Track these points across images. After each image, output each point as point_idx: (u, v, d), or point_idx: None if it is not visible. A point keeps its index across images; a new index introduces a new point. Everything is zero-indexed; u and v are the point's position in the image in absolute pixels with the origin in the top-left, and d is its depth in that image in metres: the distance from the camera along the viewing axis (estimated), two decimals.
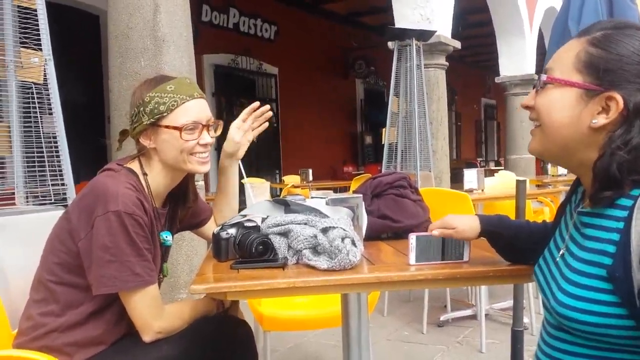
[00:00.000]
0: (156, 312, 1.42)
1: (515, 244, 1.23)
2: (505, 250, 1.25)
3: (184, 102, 1.47)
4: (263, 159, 9.89)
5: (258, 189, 1.79)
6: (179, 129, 1.45)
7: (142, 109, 1.47)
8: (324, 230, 1.26)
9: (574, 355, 0.97)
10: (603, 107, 0.94)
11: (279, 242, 1.34)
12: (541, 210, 4.25)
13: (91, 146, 6.84)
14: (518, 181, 1.82)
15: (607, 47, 0.95)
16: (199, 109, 1.50)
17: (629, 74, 0.93)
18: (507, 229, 1.24)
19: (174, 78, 1.53)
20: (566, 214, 1.12)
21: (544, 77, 1.01)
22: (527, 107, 1.06)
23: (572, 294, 0.94)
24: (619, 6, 2.92)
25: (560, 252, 1.04)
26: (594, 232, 0.96)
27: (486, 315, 3.45)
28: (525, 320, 3.27)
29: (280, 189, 7.72)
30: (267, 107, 1.76)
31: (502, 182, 4.05)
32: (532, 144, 1.06)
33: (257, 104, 1.74)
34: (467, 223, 1.24)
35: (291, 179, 7.90)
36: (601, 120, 0.94)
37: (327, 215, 1.34)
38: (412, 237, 1.24)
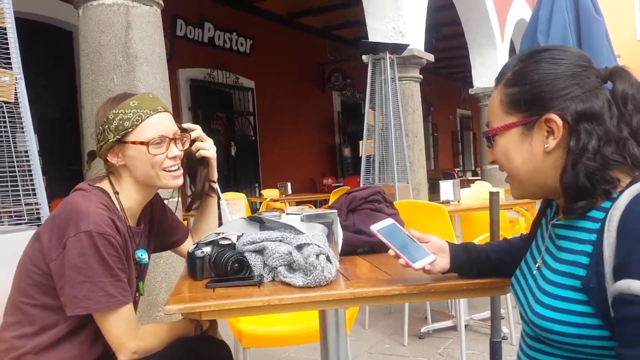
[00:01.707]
0: (132, 332, 1.39)
1: (484, 269, 1.23)
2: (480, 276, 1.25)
3: (148, 117, 1.45)
4: (242, 172, 9.87)
5: (233, 205, 1.78)
6: (145, 144, 1.44)
7: (106, 127, 1.45)
8: (299, 247, 1.26)
9: None
10: (547, 130, 0.98)
11: (254, 260, 1.33)
12: (517, 220, 4.29)
13: (66, 163, 6.76)
14: (491, 193, 1.84)
15: (520, 81, 1.01)
16: (164, 122, 1.48)
17: (551, 92, 0.97)
18: (474, 250, 1.25)
19: (137, 94, 1.51)
20: (542, 227, 1.14)
21: (486, 132, 1.07)
22: (492, 163, 1.12)
23: (548, 305, 0.95)
24: (586, 18, 2.99)
25: (537, 265, 1.06)
26: (568, 244, 0.97)
27: (466, 326, 3.47)
28: (505, 330, 3.30)
29: (260, 203, 7.70)
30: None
31: (478, 192, 4.09)
32: (512, 192, 1.11)
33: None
34: (439, 241, 1.25)
35: (270, 193, 7.89)
36: (551, 142, 0.98)
37: (301, 232, 1.34)
38: (390, 220, 1.25)
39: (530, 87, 0.99)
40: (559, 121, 0.96)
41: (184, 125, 1.64)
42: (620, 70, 0.99)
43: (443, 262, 1.20)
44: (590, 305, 0.89)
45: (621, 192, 0.90)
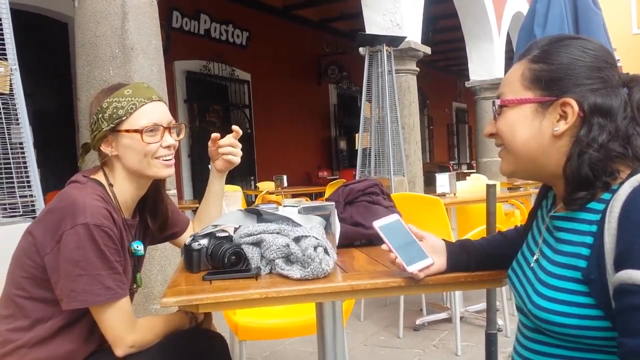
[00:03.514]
0: (128, 325, 1.39)
1: (482, 264, 1.23)
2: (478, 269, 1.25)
3: (142, 105, 1.45)
4: (238, 165, 9.81)
5: (230, 198, 1.78)
6: (139, 131, 1.43)
7: (100, 115, 1.45)
8: (297, 240, 1.25)
9: (551, 356, 0.98)
10: (560, 114, 0.98)
11: (251, 252, 1.33)
12: (512, 213, 4.31)
13: (61, 155, 6.74)
14: (488, 185, 1.84)
15: (548, 60, 1.00)
16: (158, 111, 1.48)
17: (576, 78, 0.97)
18: (471, 247, 1.25)
19: (131, 83, 1.51)
20: (538, 219, 1.14)
21: (498, 102, 1.05)
22: (490, 136, 1.10)
23: (549, 297, 0.96)
24: (584, 11, 2.99)
25: (535, 257, 1.06)
26: (568, 235, 0.98)
27: (461, 318, 3.48)
28: (500, 322, 3.32)
29: (255, 196, 7.69)
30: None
31: (474, 185, 4.11)
32: (503, 166, 1.10)
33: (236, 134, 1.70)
34: (436, 239, 1.24)
35: (266, 186, 7.87)
36: (562, 126, 0.98)
37: (299, 224, 1.33)
38: (396, 216, 1.23)
39: (557, 67, 0.99)
40: (576, 107, 0.96)
41: (234, 127, 1.67)
42: None
43: (438, 264, 1.20)
44: (591, 297, 0.90)
45: (621, 183, 0.91)
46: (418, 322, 3.62)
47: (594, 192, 0.95)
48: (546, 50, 1.02)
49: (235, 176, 9.57)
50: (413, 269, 1.14)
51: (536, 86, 1.00)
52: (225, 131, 1.72)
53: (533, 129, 1.01)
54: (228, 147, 1.68)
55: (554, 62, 0.99)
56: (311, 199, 7.33)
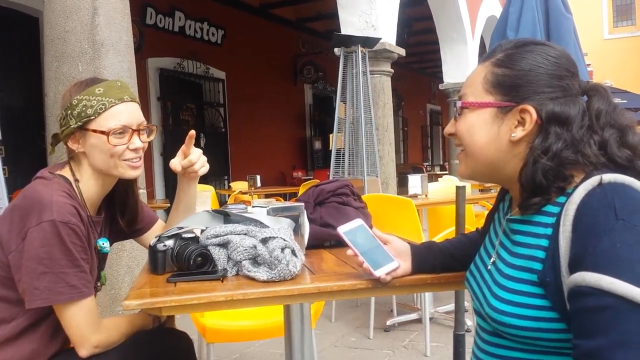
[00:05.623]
0: (93, 325, 1.36)
1: (447, 265, 1.25)
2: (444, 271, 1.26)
3: (112, 106, 1.41)
4: (211, 164, 9.67)
5: (198, 198, 1.75)
6: (106, 133, 1.40)
7: (69, 112, 1.42)
8: (264, 241, 1.24)
9: (508, 359, 0.99)
10: (518, 120, 0.99)
11: (218, 254, 1.31)
12: (483, 214, 4.35)
13: (29, 152, 6.59)
14: (457, 187, 1.85)
15: (511, 65, 1.00)
16: (128, 113, 1.44)
17: (536, 85, 0.98)
18: (436, 249, 1.26)
19: (105, 81, 1.47)
20: (495, 222, 1.16)
21: (459, 103, 1.06)
22: (450, 135, 1.10)
23: (505, 300, 0.97)
24: (555, 16, 3.03)
25: (492, 260, 1.07)
26: (524, 238, 0.99)
27: (431, 319, 3.50)
28: (469, 322, 3.35)
29: (228, 196, 7.64)
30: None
31: (446, 186, 4.13)
32: (461, 168, 1.10)
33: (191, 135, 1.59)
34: (401, 242, 1.25)
35: (239, 185, 7.82)
36: (519, 132, 0.98)
37: (267, 226, 1.32)
38: (359, 221, 1.24)
39: (518, 73, 0.99)
40: (534, 115, 0.96)
41: (190, 133, 1.57)
42: (600, 87, 1.01)
43: (404, 267, 1.21)
44: (547, 299, 0.91)
45: (575, 187, 0.92)
46: (389, 322, 3.64)
47: (548, 198, 0.96)
48: (510, 54, 1.02)
49: (209, 176, 9.50)
50: (380, 272, 1.15)
51: (497, 91, 1.01)
52: (198, 130, 1.68)
53: (491, 133, 1.01)
54: (199, 162, 1.60)
55: (516, 68, 1.00)
56: (284, 199, 7.31)
